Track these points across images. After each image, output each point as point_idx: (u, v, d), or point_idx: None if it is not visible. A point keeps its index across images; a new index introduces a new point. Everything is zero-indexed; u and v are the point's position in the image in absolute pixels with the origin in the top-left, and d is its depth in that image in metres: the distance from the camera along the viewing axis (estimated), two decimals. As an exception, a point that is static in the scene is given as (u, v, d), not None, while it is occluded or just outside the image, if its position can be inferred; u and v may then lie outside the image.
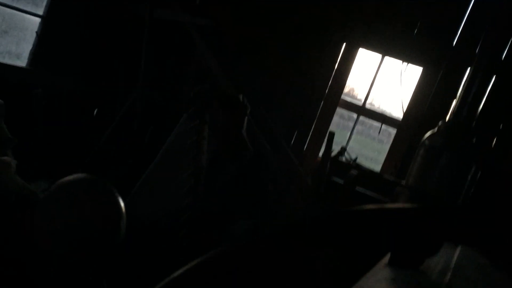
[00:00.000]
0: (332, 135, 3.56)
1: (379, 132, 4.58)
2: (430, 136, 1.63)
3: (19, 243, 1.43)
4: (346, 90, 4.78)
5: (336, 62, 4.63)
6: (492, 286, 1.68)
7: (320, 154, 4.59)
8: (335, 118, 4.88)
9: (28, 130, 4.45)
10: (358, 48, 4.59)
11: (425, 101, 4.24)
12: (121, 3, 4.84)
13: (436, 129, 1.65)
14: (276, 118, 4.62)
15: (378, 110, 4.69)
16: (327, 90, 4.62)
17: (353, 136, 4.80)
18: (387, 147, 4.61)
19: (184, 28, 4.75)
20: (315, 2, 4.66)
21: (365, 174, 4.15)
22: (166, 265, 3.10)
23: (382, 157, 4.76)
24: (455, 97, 4.14)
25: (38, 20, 4.51)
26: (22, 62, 4.58)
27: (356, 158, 4.29)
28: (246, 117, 3.46)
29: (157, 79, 5.07)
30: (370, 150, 5.27)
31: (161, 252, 3.27)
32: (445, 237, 1.63)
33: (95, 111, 5.20)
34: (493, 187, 3.46)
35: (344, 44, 4.61)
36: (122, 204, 1.44)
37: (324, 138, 4.65)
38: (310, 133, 4.65)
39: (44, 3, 4.50)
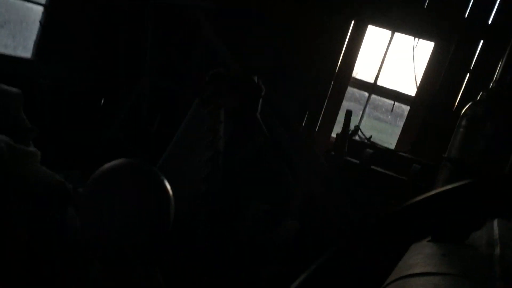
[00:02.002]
0: (349, 113, 3.50)
1: (391, 110, 4.53)
2: (471, 106, 1.58)
3: (57, 237, 1.37)
4: (356, 69, 4.70)
5: (345, 40, 4.55)
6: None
7: (333, 134, 4.54)
8: (345, 101, 4.82)
9: (35, 122, 4.37)
10: (367, 26, 4.50)
11: (438, 76, 4.18)
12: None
13: (478, 99, 1.60)
14: (286, 100, 4.56)
15: (390, 88, 4.61)
16: (337, 69, 4.55)
17: (364, 118, 4.74)
18: (397, 129, 4.55)
19: (188, 12, 4.66)
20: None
21: (380, 152, 4.11)
22: (189, 254, 3.07)
23: (390, 138, 4.70)
24: (468, 71, 4.08)
25: (40, 9, 4.42)
26: (27, 53, 4.50)
27: (370, 137, 4.25)
28: (261, 100, 3.39)
29: (163, 65, 5.00)
30: (381, 132, 5.22)
31: (182, 241, 3.24)
32: (493, 209, 1.59)
33: (102, 101, 5.14)
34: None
35: (353, 22, 4.52)
36: (169, 188, 1.38)
37: (335, 118, 4.60)
38: (322, 113, 4.59)
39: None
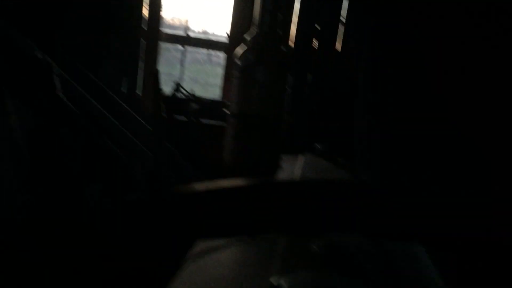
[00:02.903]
0: (156, 72, 3.30)
1: (209, 60, 4.45)
2: (241, 55, 1.51)
3: None
4: (165, 22, 4.47)
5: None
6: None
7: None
8: (166, 54, 4.59)
9: None
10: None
11: (246, 18, 4.17)
12: None
13: (245, 45, 1.55)
14: (102, 72, 4.16)
15: (203, 37, 4.50)
16: (143, 27, 4.26)
17: (185, 67, 4.57)
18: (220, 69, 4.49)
19: None
20: None
21: (207, 105, 4.05)
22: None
23: (217, 80, 4.63)
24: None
25: None
26: None
27: (193, 92, 4.14)
28: (57, 76, 3.00)
29: None
30: (205, 75, 5.17)
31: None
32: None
33: None
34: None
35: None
36: None
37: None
38: (139, 75, 4.32)
39: None
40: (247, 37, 1.62)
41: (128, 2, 4.17)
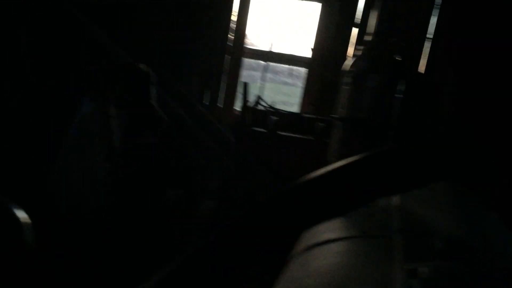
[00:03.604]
0: (246, 84, 3.44)
1: (291, 74, 4.54)
2: (355, 62, 1.56)
3: None
4: (250, 39, 4.63)
5: (231, 11, 4.44)
6: (435, 199, 1.68)
7: (236, 108, 4.47)
8: (247, 71, 4.75)
9: None
10: (251, -7, 4.43)
11: (329, 34, 4.23)
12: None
13: (360, 54, 1.59)
14: (184, 81, 4.40)
15: (286, 53, 4.61)
16: (228, 41, 4.45)
17: (267, 84, 4.71)
18: (297, 90, 4.58)
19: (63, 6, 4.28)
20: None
21: (285, 117, 4.12)
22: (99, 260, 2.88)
23: (293, 99, 4.73)
24: (354, 26, 4.17)
25: None
26: None
27: (273, 104, 4.24)
28: (153, 86, 3.20)
29: (46, 65, 4.58)
30: (287, 95, 5.28)
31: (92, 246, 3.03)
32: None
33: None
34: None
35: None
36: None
37: (235, 90, 4.53)
38: (221, 88, 4.49)
39: None
40: (361, 46, 1.67)
41: (215, 20, 4.38)
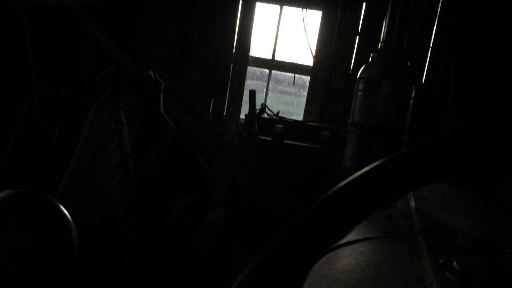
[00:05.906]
0: (253, 92, 3.50)
1: (293, 82, 4.62)
2: (366, 68, 1.63)
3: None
4: (254, 48, 4.71)
5: (237, 20, 4.52)
6: (447, 202, 1.75)
7: (242, 116, 4.53)
8: (249, 80, 4.81)
9: None
10: (255, 3, 4.50)
11: (331, 42, 4.32)
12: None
13: (370, 60, 1.65)
14: (189, 89, 4.47)
15: (288, 61, 4.69)
16: (234, 51, 4.52)
17: (269, 93, 4.79)
18: (300, 99, 4.66)
19: (73, 13, 4.36)
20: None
21: (290, 125, 4.19)
22: (114, 265, 2.93)
23: (297, 108, 4.82)
24: (357, 33, 4.26)
25: None
26: None
27: (278, 112, 4.31)
28: (162, 94, 3.27)
29: (53, 72, 4.66)
30: (289, 105, 5.34)
31: (105, 252, 3.08)
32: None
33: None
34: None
35: (240, 1, 4.50)
36: (66, 214, 1.27)
37: (241, 99, 4.59)
38: (227, 97, 4.56)
39: None
40: (373, 53, 1.74)
41: (220, 30, 4.46)
